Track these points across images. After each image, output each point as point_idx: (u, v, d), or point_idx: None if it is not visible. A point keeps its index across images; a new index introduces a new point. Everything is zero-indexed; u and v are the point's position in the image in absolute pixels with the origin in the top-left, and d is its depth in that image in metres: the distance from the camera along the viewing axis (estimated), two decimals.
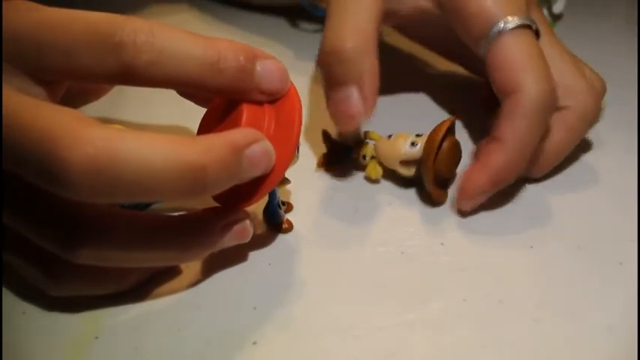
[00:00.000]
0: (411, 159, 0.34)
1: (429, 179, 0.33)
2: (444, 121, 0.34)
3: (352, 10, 0.33)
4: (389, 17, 0.36)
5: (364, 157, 0.36)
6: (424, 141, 0.34)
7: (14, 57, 0.26)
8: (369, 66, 0.33)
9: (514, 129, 0.32)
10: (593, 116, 0.36)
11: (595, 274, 0.31)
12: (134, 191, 0.24)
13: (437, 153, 0.33)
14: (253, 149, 0.26)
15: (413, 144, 0.34)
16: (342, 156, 0.37)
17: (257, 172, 0.27)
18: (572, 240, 0.32)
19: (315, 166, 0.37)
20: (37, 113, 0.24)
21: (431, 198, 0.34)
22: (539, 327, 0.28)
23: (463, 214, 0.34)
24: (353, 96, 0.33)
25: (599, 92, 0.36)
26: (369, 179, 0.36)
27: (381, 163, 0.36)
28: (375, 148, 0.36)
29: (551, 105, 0.32)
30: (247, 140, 0.26)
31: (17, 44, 0.26)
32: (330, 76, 0.33)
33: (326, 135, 0.37)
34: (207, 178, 0.24)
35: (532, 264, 0.31)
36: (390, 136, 0.35)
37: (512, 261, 0.31)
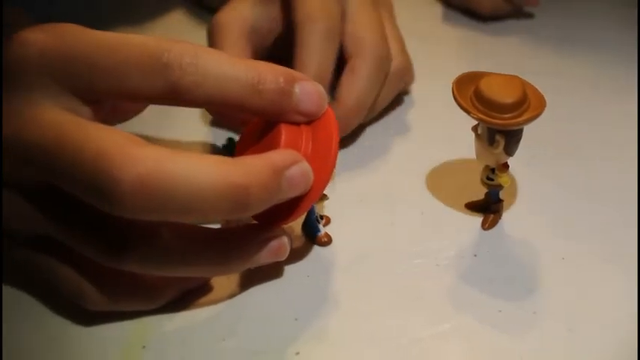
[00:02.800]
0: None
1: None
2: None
3: None
4: None
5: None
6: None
7: (64, 77, 0.27)
8: None
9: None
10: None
11: (626, 285, 0.31)
12: (180, 210, 0.25)
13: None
14: (293, 171, 0.27)
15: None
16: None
17: (296, 193, 0.28)
18: (603, 251, 0.33)
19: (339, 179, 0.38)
20: (88, 133, 0.25)
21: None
22: (574, 337, 0.29)
23: None
24: None
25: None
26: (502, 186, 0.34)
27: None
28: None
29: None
30: (287, 162, 0.27)
31: (69, 66, 0.27)
32: None
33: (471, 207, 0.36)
34: (250, 199, 0.25)
35: (564, 275, 0.32)
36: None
37: (545, 272, 0.32)
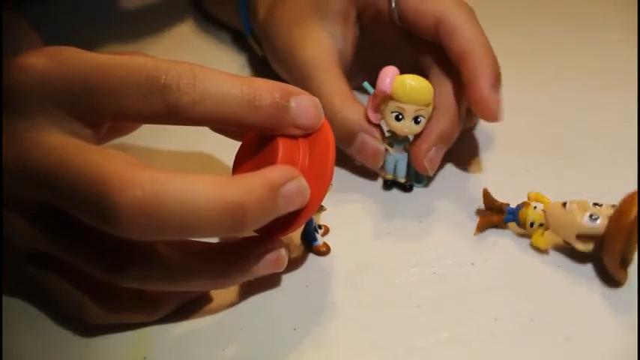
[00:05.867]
0: (590, 234, 0.31)
1: (613, 260, 0.31)
2: (632, 195, 0.31)
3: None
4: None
5: (531, 224, 0.34)
6: (607, 214, 0.31)
7: (65, 100, 0.27)
8: (358, 112, 0.37)
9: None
10: None
11: (625, 293, 0.31)
12: (179, 230, 0.25)
13: (629, 234, 0.30)
14: (289, 187, 0.27)
15: (592, 217, 0.31)
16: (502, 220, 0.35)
17: (292, 208, 0.28)
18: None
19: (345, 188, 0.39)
20: (88, 157, 0.26)
21: (613, 277, 0.32)
22: (570, 345, 0.29)
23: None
24: (365, 139, 0.36)
25: None
26: (537, 249, 0.34)
27: (549, 231, 0.33)
28: (547, 215, 0.33)
29: None
30: (284, 179, 0.27)
31: (69, 90, 0.27)
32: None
33: (487, 195, 0.35)
34: (246, 217, 0.26)
35: (561, 283, 0.32)
36: (564, 204, 0.32)
37: (542, 280, 0.32)
